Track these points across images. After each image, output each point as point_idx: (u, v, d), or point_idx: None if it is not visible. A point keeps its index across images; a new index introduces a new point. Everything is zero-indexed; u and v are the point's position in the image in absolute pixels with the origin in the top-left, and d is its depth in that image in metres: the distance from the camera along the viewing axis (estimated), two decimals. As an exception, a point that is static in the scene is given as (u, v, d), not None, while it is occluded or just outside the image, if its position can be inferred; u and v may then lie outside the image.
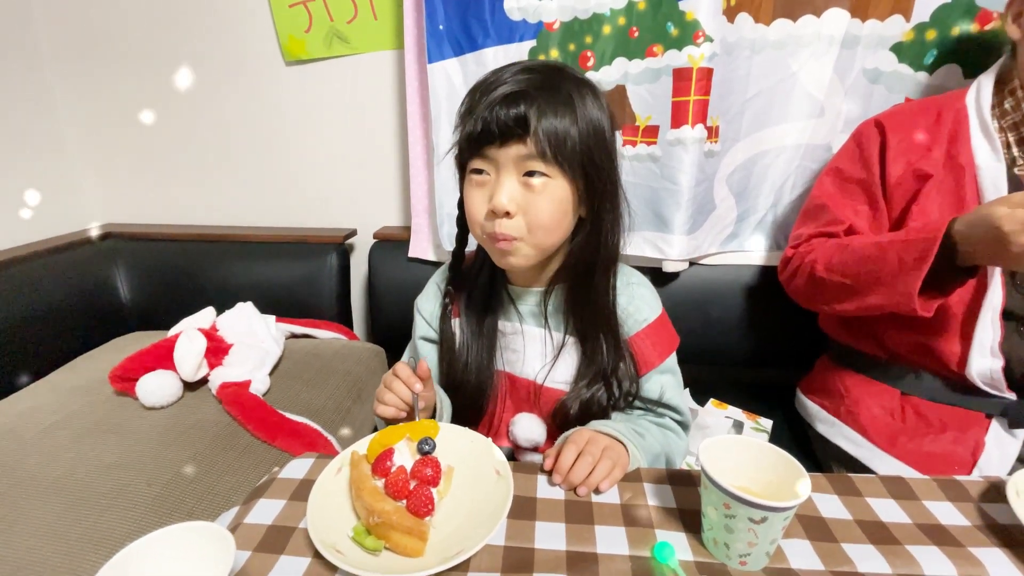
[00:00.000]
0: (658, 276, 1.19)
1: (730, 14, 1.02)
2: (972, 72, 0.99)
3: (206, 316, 1.21)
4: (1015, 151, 0.80)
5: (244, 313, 1.23)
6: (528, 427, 0.74)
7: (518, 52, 1.12)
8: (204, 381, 1.08)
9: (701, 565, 0.49)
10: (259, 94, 1.41)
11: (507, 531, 0.53)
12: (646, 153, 1.11)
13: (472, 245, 0.78)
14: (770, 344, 1.22)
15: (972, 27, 0.97)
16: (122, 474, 0.85)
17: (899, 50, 1.02)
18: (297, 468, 0.63)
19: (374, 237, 1.39)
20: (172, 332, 1.15)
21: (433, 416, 0.73)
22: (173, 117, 1.47)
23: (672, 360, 0.77)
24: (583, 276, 0.70)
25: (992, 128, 0.80)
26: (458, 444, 0.61)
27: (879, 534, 0.52)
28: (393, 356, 1.37)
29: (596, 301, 0.71)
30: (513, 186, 0.62)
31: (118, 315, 1.44)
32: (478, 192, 0.65)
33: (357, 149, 1.42)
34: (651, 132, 1.10)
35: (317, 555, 0.49)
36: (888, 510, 0.56)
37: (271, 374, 1.13)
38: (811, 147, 1.12)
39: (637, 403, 0.74)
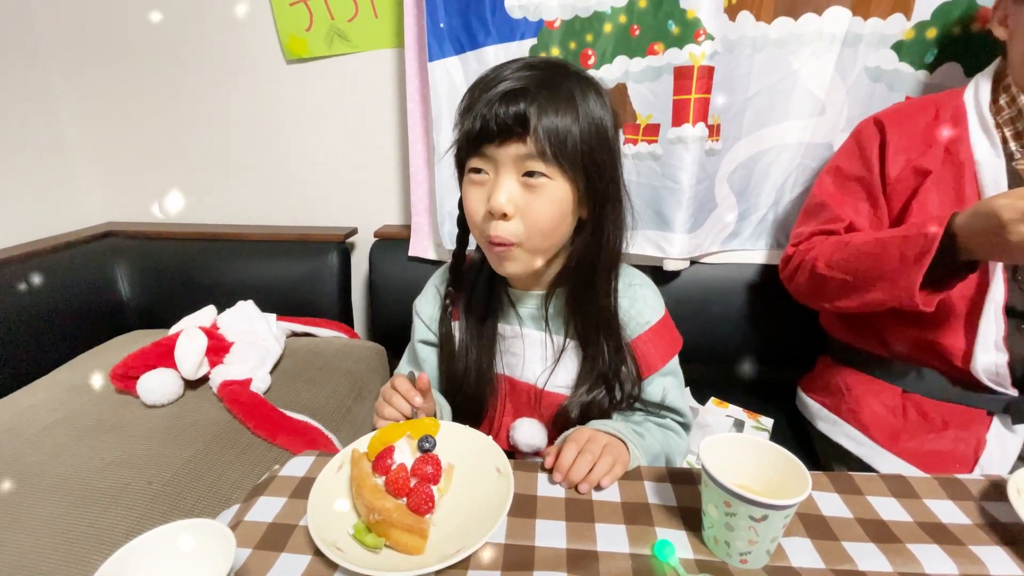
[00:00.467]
0: (659, 275, 1.19)
1: (731, 12, 1.02)
2: (972, 70, 0.98)
3: (207, 314, 1.21)
4: (1012, 146, 0.80)
5: (245, 311, 1.23)
6: (529, 432, 0.73)
7: (519, 50, 1.12)
8: (205, 379, 1.09)
9: (702, 563, 0.49)
10: (260, 93, 1.41)
11: (507, 529, 0.53)
12: (647, 152, 1.11)
13: (472, 245, 0.77)
14: (771, 342, 1.21)
15: (973, 26, 0.97)
16: (123, 472, 0.85)
17: (900, 48, 1.02)
18: (297, 466, 0.63)
19: (375, 236, 1.39)
20: (173, 330, 1.15)
21: None
22: (174, 116, 1.47)
23: (674, 362, 0.77)
24: (584, 279, 0.69)
25: (991, 124, 0.81)
26: (459, 442, 0.61)
27: (880, 532, 0.52)
28: (393, 354, 1.37)
29: (598, 304, 0.69)
30: (512, 186, 0.61)
31: (119, 313, 1.44)
32: (476, 192, 0.64)
33: (358, 147, 1.42)
34: (652, 130, 1.10)
35: (317, 553, 0.49)
36: (889, 508, 0.56)
37: (272, 372, 1.13)
38: (812, 145, 1.11)
39: (638, 405, 0.74)
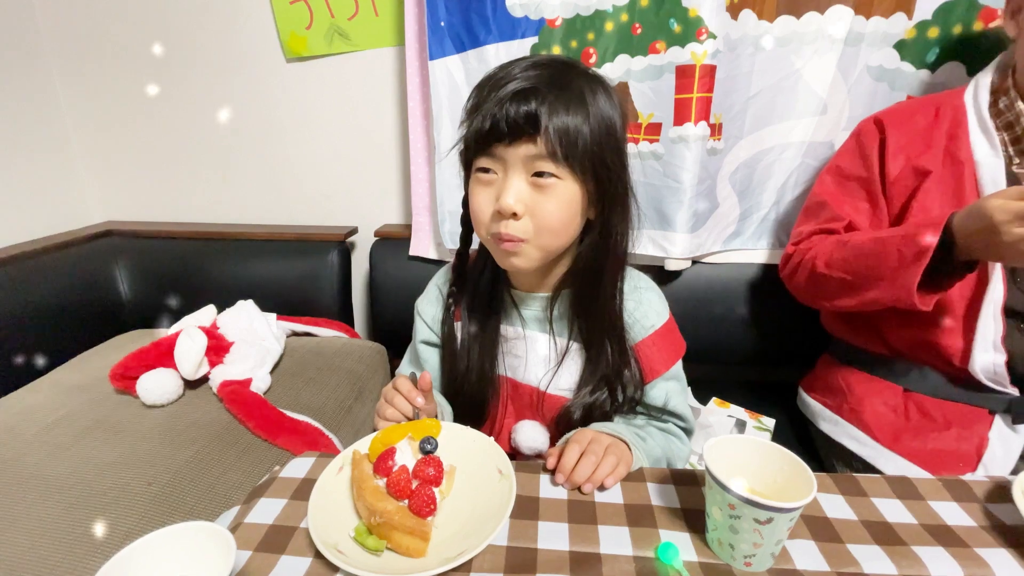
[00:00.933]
0: (660, 274, 1.19)
1: (733, 11, 1.02)
2: (974, 70, 0.98)
3: (207, 314, 1.21)
4: (1010, 150, 0.80)
5: (245, 311, 1.23)
6: (530, 435, 0.72)
7: (520, 49, 1.12)
8: (205, 379, 1.08)
9: (705, 566, 0.49)
10: (260, 91, 1.40)
11: (510, 531, 0.52)
12: (649, 151, 1.11)
13: (475, 245, 0.76)
14: (772, 342, 1.21)
15: (975, 25, 0.97)
16: (122, 473, 0.84)
17: (901, 47, 1.01)
18: (298, 467, 0.63)
19: (375, 235, 1.39)
20: (173, 330, 1.15)
21: None
22: (174, 115, 1.47)
23: (678, 367, 0.76)
24: (590, 281, 0.68)
25: (990, 124, 0.81)
26: (460, 443, 0.60)
27: (884, 535, 0.52)
28: (394, 354, 1.37)
29: (603, 306, 0.69)
30: (521, 186, 0.60)
31: (118, 313, 1.44)
32: (484, 191, 0.63)
33: (358, 146, 1.41)
34: (654, 129, 1.10)
35: (318, 555, 0.49)
36: (893, 510, 0.55)
37: (272, 372, 1.13)
38: (814, 145, 1.11)
39: (640, 409, 0.73)
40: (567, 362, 0.73)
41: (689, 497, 0.57)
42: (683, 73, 1.03)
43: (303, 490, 0.58)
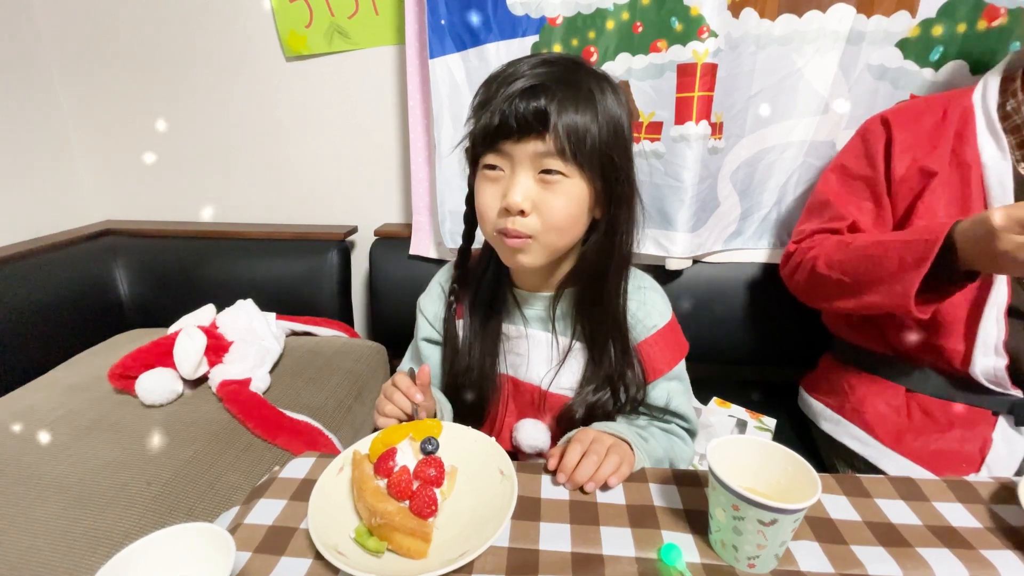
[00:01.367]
0: (661, 274, 1.18)
1: (735, 9, 1.01)
2: (978, 69, 0.98)
3: (206, 313, 1.21)
4: (1016, 153, 0.79)
5: (244, 310, 1.23)
6: (532, 434, 0.72)
7: (521, 47, 1.11)
8: (204, 379, 1.08)
9: (709, 567, 0.48)
10: (259, 90, 1.40)
11: (511, 532, 0.52)
12: (650, 150, 1.10)
13: (478, 242, 0.76)
14: (774, 342, 1.21)
15: (979, 24, 0.96)
16: (121, 472, 0.84)
17: (904, 46, 1.01)
18: (298, 467, 0.63)
19: (375, 234, 1.38)
20: (172, 329, 1.14)
21: None
22: (173, 114, 1.46)
23: (681, 367, 0.76)
24: (595, 280, 0.68)
25: (998, 126, 0.80)
26: (461, 444, 0.60)
27: (889, 536, 0.52)
28: (394, 354, 1.37)
29: (607, 306, 0.69)
30: (528, 183, 0.60)
31: (117, 312, 1.43)
32: (491, 188, 0.63)
33: (358, 145, 1.41)
34: (655, 128, 1.09)
35: (318, 556, 0.48)
36: (898, 511, 0.55)
37: (271, 372, 1.12)
38: (815, 144, 1.11)
39: (643, 409, 0.73)
40: (569, 361, 0.72)
41: (692, 498, 0.56)
42: (684, 72, 1.03)
43: (303, 491, 0.57)
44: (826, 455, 1.00)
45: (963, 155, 0.81)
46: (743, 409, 1.09)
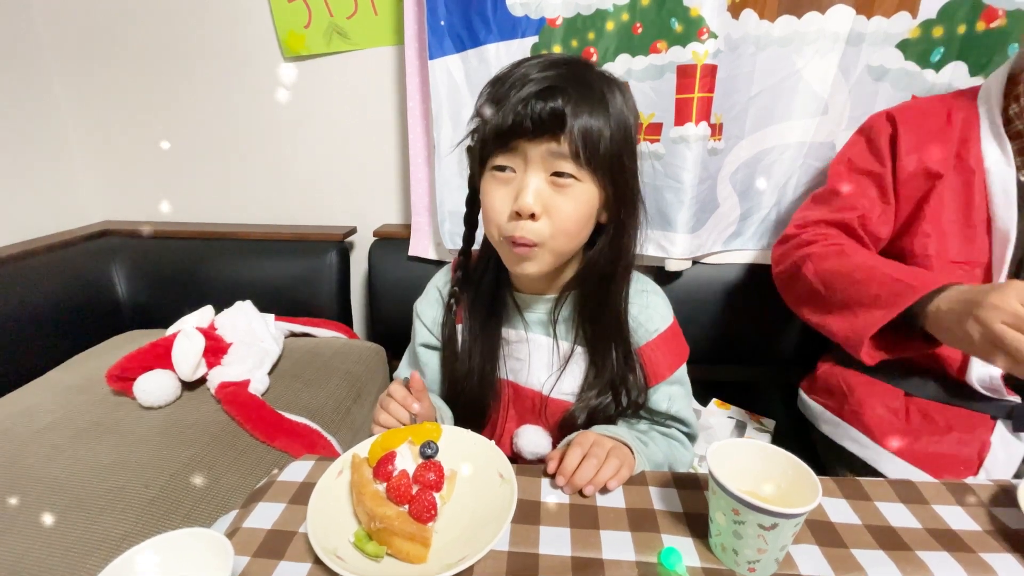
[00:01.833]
0: (661, 275, 1.18)
1: (735, 10, 1.01)
2: (978, 70, 0.98)
3: (204, 315, 1.20)
4: (1017, 160, 0.78)
5: (243, 312, 1.22)
6: (532, 439, 0.72)
7: (520, 48, 1.11)
8: (202, 380, 1.07)
9: (709, 571, 0.48)
10: (258, 90, 1.39)
11: (511, 536, 0.52)
12: (649, 151, 1.10)
13: (476, 244, 0.76)
14: (773, 343, 1.21)
15: (978, 25, 0.96)
16: (119, 475, 0.84)
17: (905, 47, 1.01)
18: (297, 470, 0.62)
19: (374, 235, 1.38)
20: (170, 331, 1.14)
21: None
22: (172, 114, 1.46)
23: (682, 371, 0.75)
24: (599, 284, 0.67)
25: (1002, 131, 0.79)
26: (461, 448, 0.60)
27: (889, 539, 0.51)
28: (393, 355, 1.36)
29: (610, 310, 0.68)
30: (540, 185, 0.59)
31: (115, 313, 1.43)
32: (500, 190, 0.61)
33: (357, 146, 1.40)
34: (654, 129, 1.09)
35: (317, 561, 0.48)
36: (898, 515, 0.55)
37: (270, 373, 1.12)
38: (815, 145, 1.11)
39: (643, 414, 0.73)
40: (570, 366, 0.72)
41: (692, 501, 0.56)
42: (684, 73, 1.03)
43: (302, 494, 0.57)
44: (825, 457, 1.00)
45: (967, 160, 0.80)
46: (742, 411, 1.09)
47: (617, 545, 0.51)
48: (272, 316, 1.28)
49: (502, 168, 0.61)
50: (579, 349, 0.72)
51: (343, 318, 1.44)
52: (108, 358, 1.08)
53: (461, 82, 1.15)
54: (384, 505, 0.51)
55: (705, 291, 1.20)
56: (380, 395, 0.68)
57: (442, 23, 1.11)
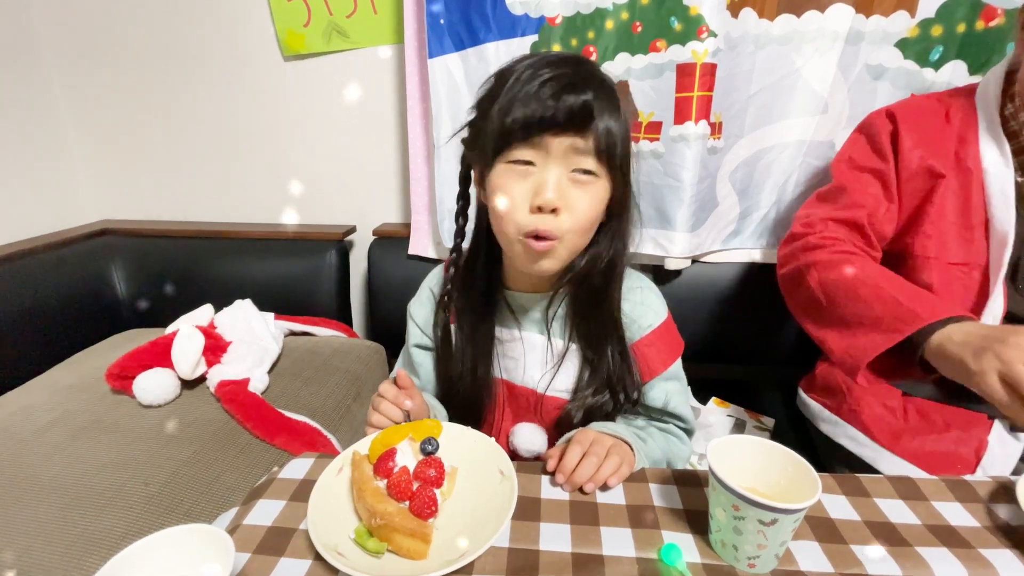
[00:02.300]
0: (660, 274, 1.18)
1: (734, 9, 1.02)
2: (977, 69, 0.98)
3: (204, 313, 1.20)
4: (1016, 160, 0.78)
5: (242, 310, 1.22)
6: (529, 437, 0.71)
7: (520, 47, 1.11)
8: (202, 379, 1.07)
9: (709, 567, 0.48)
10: (257, 89, 1.39)
11: (511, 533, 0.52)
12: (649, 149, 1.10)
13: (466, 243, 0.75)
14: (772, 342, 1.21)
15: (976, 24, 0.97)
16: (119, 473, 0.84)
17: (904, 46, 1.01)
18: (297, 468, 0.62)
19: (374, 234, 1.38)
20: (170, 329, 1.14)
21: None
22: (170, 113, 1.46)
23: (677, 366, 0.75)
24: (596, 282, 0.67)
25: (1000, 130, 0.78)
26: (461, 444, 0.60)
27: (888, 535, 0.52)
28: (392, 354, 1.36)
29: (604, 307, 0.68)
30: (562, 179, 0.59)
31: (115, 312, 1.43)
32: (520, 184, 0.59)
33: (356, 145, 1.40)
34: (654, 128, 1.09)
35: (318, 557, 0.48)
36: (897, 511, 0.55)
37: (270, 372, 1.12)
38: (814, 144, 1.11)
39: (640, 410, 0.73)
40: (565, 364, 0.72)
41: (692, 498, 0.56)
42: (684, 71, 1.03)
43: (302, 491, 0.57)
44: (824, 455, 1.00)
45: (965, 160, 0.80)
46: (742, 409, 1.09)
47: (617, 541, 0.51)
48: (272, 315, 1.28)
49: (521, 161, 0.59)
50: (573, 346, 0.71)
51: (343, 317, 1.44)
52: (108, 357, 1.08)
53: (461, 81, 1.15)
54: (385, 501, 0.51)
55: (704, 290, 1.21)
56: (373, 397, 0.67)
57: (441, 22, 1.11)
